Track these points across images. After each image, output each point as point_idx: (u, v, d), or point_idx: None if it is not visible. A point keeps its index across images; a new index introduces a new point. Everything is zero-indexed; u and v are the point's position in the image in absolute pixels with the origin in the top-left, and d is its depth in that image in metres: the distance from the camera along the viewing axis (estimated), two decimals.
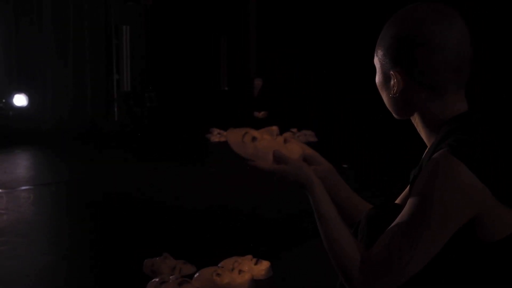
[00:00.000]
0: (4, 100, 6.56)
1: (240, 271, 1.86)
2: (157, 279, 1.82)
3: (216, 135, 7.15)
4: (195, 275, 1.90)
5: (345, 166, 4.68)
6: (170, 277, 1.83)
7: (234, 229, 2.60)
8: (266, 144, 1.15)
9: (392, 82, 1.05)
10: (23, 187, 3.57)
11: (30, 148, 5.67)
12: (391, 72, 1.04)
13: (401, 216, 0.97)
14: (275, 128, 1.23)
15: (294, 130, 7.35)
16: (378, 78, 1.11)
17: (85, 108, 7.63)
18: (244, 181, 3.83)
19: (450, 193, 0.92)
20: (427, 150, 1.07)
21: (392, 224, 0.98)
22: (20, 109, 6.50)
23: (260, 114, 7.66)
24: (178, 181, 3.99)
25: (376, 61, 1.10)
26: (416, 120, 1.10)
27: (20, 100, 6.47)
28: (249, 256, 2.01)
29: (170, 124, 8.07)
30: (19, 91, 6.56)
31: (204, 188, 3.69)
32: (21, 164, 4.75)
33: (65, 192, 3.54)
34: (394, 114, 1.13)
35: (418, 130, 1.12)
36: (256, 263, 1.98)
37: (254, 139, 1.17)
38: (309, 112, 8.06)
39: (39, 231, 2.57)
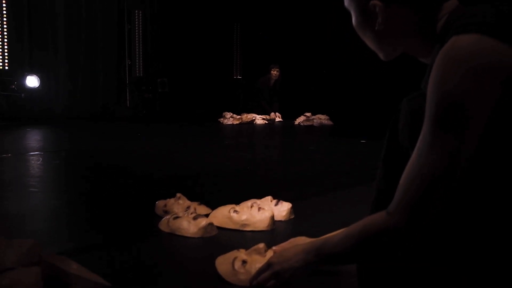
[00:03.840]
0: (16, 82, 6.51)
1: (259, 209, 1.72)
2: (168, 216, 1.69)
3: (229, 119, 7.03)
4: (211, 213, 1.77)
5: (363, 141, 4.61)
6: (184, 212, 1.70)
7: (252, 180, 2.48)
8: (258, 266, 1.19)
9: (373, 15, 0.97)
10: (33, 153, 3.48)
11: (42, 127, 5.62)
12: (370, 3, 0.96)
13: (422, 131, 0.84)
14: (262, 246, 1.28)
15: (308, 114, 7.22)
16: (355, 20, 1.03)
17: (97, 93, 7.57)
18: (258, 148, 3.78)
19: (473, 78, 0.78)
20: (432, 56, 0.93)
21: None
22: (33, 91, 6.45)
23: (276, 117, 7.49)
24: (193, 149, 3.89)
25: (349, 3, 1.03)
26: (412, 46, 1.00)
27: (32, 81, 6.41)
28: (269, 197, 1.86)
29: (182, 109, 7.98)
30: (31, 73, 6.51)
31: (220, 154, 3.58)
32: (31, 138, 4.68)
33: (75, 157, 3.43)
34: (383, 55, 1.04)
35: (420, 57, 1.02)
36: (276, 204, 1.84)
37: (244, 262, 1.23)
38: (322, 97, 7.91)
39: (46, 183, 2.46)
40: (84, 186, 2.38)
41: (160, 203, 1.86)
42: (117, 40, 7.80)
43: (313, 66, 8.29)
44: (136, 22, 8.01)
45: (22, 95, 6.51)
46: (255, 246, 1.29)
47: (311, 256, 1.07)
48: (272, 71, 7.72)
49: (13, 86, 6.49)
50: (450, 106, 0.80)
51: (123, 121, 6.74)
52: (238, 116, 7.10)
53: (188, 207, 1.81)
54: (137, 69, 8.03)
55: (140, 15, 8.01)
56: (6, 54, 6.49)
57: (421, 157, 0.84)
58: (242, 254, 1.28)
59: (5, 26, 6.46)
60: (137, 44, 8.02)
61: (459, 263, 0.89)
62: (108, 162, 3.19)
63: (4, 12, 6.46)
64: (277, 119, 7.45)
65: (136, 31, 8.00)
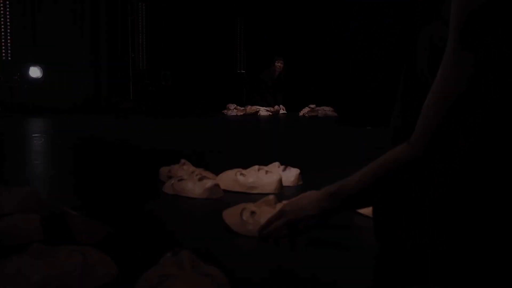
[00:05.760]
0: (19, 73, 6.47)
1: (267, 172, 1.66)
2: (173, 179, 1.64)
3: (233, 110, 6.98)
4: (217, 176, 1.71)
5: (369, 128, 4.55)
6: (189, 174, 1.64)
7: (258, 154, 2.42)
8: (268, 217, 1.09)
9: None
10: (35, 135, 3.44)
11: (44, 117, 5.57)
12: None
13: (445, 53, 0.77)
14: (272, 197, 1.22)
15: (313, 105, 7.15)
16: None
17: (100, 85, 7.52)
18: (263, 132, 3.68)
19: None
20: None
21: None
22: (35, 81, 6.41)
23: (280, 109, 7.42)
24: (196, 133, 3.84)
25: None
26: None
27: (35, 72, 6.37)
28: (277, 163, 1.81)
29: (185, 103, 7.93)
30: (34, 64, 6.48)
31: (225, 136, 3.53)
32: (34, 125, 4.63)
33: (78, 138, 3.38)
34: None
35: None
36: (284, 170, 1.78)
37: (253, 213, 1.16)
38: (326, 88, 7.85)
39: (48, 157, 2.42)
40: (86, 160, 2.33)
41: (164, 169, 1.81)
42: (120, 33, 7.76)
43: (316, 58, 8.23)
44: (140, 15, 7.96)
45: (25, 86, 6.48)
46: (265, 198, 1.23)
47: (327, 203, 0.99)
48: (276, 63, 7.64)
49: (16, 77, 6.45)
50: (478, 18, 0.72)
51: (125, 113, 6.70)
52: (242, 108, 7.05)
53: (193, 172, 1.76)
54: (140, 62, 7.99)
55: (144, 7, 7.97)
56: (9, 44, 6.46)
57: (445, 79, 0.77)
58: (250, 205, 1.22)
59: (8, 16, 6.43)
60: (140, 37, 7.97)
61: (479, 194, 0.82)
62: (111, 143, 3.14)
63: (8, 2, 6.42)
64: (281, 111, 7.39)
65: (140, 23, 7.96)
